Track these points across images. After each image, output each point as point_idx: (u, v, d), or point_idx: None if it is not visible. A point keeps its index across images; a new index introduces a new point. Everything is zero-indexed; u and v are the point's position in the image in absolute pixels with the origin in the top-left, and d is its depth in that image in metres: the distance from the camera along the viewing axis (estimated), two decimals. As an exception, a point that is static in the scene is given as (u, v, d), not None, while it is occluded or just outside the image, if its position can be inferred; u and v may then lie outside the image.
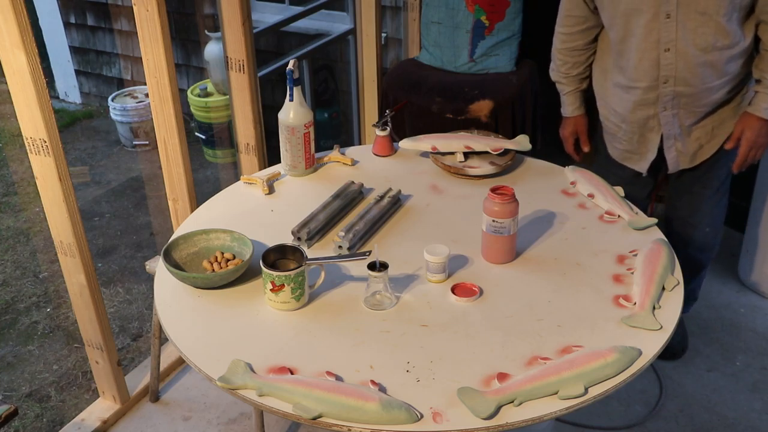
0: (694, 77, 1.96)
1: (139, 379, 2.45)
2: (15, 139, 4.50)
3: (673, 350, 2.46)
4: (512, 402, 1.27)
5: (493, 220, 1.59)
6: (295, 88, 1.92)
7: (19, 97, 1.82)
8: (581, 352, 1.36)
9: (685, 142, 2.10)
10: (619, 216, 1.80)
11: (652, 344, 1.39)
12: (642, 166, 2.20)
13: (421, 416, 1.25)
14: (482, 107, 2.79)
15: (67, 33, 4.89)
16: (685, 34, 1.90)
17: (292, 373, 1.34)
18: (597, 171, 2.00)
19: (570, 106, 2.27)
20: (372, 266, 1.50)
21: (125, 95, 4.52)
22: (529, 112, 2.92)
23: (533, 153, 2.10)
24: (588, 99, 2.30)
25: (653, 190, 2.39)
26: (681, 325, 2.48)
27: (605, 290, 1.55)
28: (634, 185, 2.21)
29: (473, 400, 1.26)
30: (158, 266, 1.64)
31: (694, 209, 2.28)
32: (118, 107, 4.39)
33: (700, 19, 1.87)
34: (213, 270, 1.61)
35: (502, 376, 1.31)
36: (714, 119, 2.07)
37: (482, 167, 2.00)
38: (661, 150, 2.14)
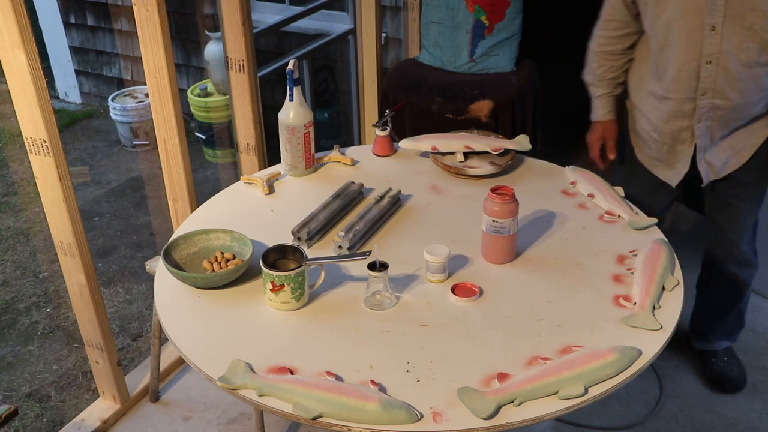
0: (734, 91, 1.92)
1: (139, 379, 2.45)
2: (15, 139, 4.50)
3: (736, 383, 2.40)
4: (512, 402, 1.27)
5: (493, 220, 1.59)
6: (295, 88, 1.92)
7: (19, 97, 1.82)
8: (581, 352, 1.36)
9: (714, 153, 2.07)
10: (619, 216, 1.80)
11: (652, 344, 1.39)
12: (671, 177, 2.15)
13: (421, 416, 1.25)
14: (482, 107, 2.79)
15: (67, 33, 4.89)
16: (730, 48, 1.86)
17: (292, 373, 1.34)
18: (621, 173, 1.95)
19: (601, 110, 2.21)
20: (372, 266, 1.50)
21: (125, 95, 4.52)
22: (529, 112, 2.92)
23: (533, 153, 2.10)
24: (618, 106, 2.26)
25: (675, 199, 2.35)
26: (734, 357, 2.44)
27: (605, 290, 1.55)
28: (658, 193, 2.19)
29: (473, 400, 1.26)
30: (158, 266, 1.64)
31: (731, 222, 2.22)
32: (118, 107, 4.39)
33: (745, 34, 1.84)
34: (213, 270, 1.61)
35: (502, 376, 1.31)
36: (745, 132, 2.04)
37: (482, 167, 2.00)
38: (693, 161, 2.10)
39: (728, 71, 1.90)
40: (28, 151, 1.91)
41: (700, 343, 2.47)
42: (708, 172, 2.10)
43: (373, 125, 2.15)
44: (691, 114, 2.00)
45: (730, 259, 2.29)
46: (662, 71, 1.99)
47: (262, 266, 1.48)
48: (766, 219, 2.74)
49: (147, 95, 3.66)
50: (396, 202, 1.86)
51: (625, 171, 2.30)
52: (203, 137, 4.28)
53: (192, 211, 2.13)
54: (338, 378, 1.33)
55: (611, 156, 2.25)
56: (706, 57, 1.89)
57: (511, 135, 2.31)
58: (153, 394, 2.39)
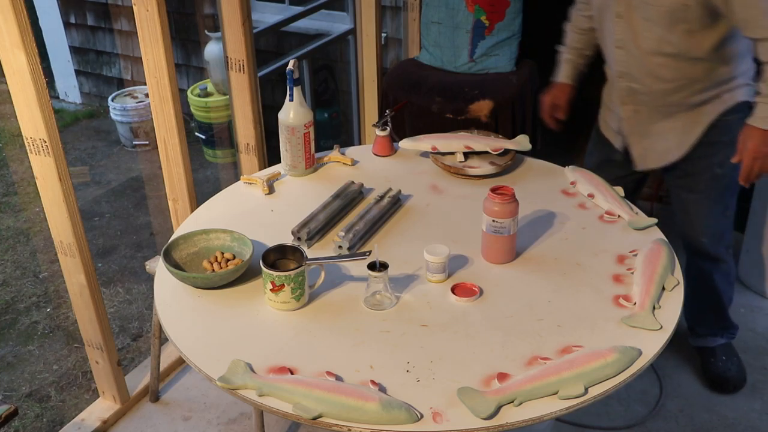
0: (645, 77, 2.03)
1: (139, 379, 2.45)
2: (15, 139, 4.50)
3: (734, 383, 2.39)
4: (512, 402, 1.27)
5: (493, 220, 1.59)
6: (295, 88, 1.92)
7: (19, 97, 1.82)
8: (581, 352, 1.36)
9: (652, 140, 2.14)
10: (619, 216, 1.80)
11: (652, 344, 1.39)
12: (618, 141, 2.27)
13: (421, 416, 1.25)
14: (482, 107, 2.79)
15: (67, 33, 4.89)
16: (634, 35, 1.97)
17: (292, 373, 1.34)
18: (589, 146, 2.11)
19: (560, 73, 2.32)
20: (372, 266, 1.50)
21: (125, 95, 4.52)
22: (529, 112, 2.92)
23: (533, 153, 2.10)
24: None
25: (641, 187, 2.40)
26: (732, 355, 2.43)
27: (605, 290, 1.55)
28: (614, 165, 2.27)
29: (473, 400, 1.26)
30: (158, 266, 1.64)
31: (684, 213, 2.26)
32: (118, 107, 4.39)
33: (645, 24, 1.93)
34: (213, 270, 1.61)
35: (502, 376, 1.31)
36: (685, 121, 2.08)
37: (482, 167, 2.00)
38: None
39: (635, 58, 2.01)
40: (28, 151, 1.91)
41: (693, 339, 2.48)
42: (645, 158, 2.18)
43: (373, 125, 2.15)
44: (617, 94, 2.14)
45: (690, 250, 2.32)
46: (603, 51, 2.16)
47: (262, 266, 1.48)
48: (764, 216, 2.74)
49: (147, 95, 3.66)
50: (396, 202, 1.86)
51: (591, 144, 2.41)
52: (203, 137, 4.28)
53: (192, 211, 2.13)
54: (338, 378, 1.33)
55: (560, 115, 2.33)
56: (617, 42, 2.03)
57: (511, 135, 2.31)
58: (153, 394, 2.39)
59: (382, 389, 1.30)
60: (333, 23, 3.89)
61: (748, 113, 1.90)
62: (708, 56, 1.94)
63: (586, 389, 1.29)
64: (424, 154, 2.10)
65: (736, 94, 2.02)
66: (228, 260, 1.63)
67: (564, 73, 2.31)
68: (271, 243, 1.61)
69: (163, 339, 2.31)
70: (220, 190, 1.98)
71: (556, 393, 1.28)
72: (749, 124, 1.89)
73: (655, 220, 1.76)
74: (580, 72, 2.31)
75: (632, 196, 2.31)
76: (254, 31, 2.42)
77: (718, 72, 1.98)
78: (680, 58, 1.95)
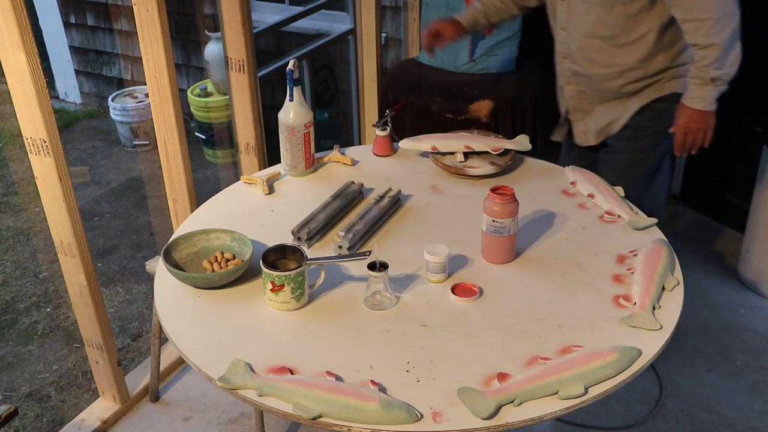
0: (584, 60, 2.11)
1: (139, 379, 2.45)
2: (15, 139, 4.50)
3: None
4: (512, 402, 1.27)
5: (493, 220, 1.59)
6: (295, 88, 1.92)
7: (19, 97, 1.82)
8: (581, 352, 1.36)
9: (593, 118, 2.22)
10: (619, 216, 1.80)
11: (652, 344, 1.39)
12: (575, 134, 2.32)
13: (421, 416, 1.25)
14: (482, 107, 2.79)
15: (67, 33, 4.89)
16: (575, 18, 2.06)
17: (292, 373, 1.34)
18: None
19: (461, 14, 2.28)
20: (372, 266, 1.50)
21: (125, 95, 4.52)
22: (529, 112, 2.92)
23: (533, 153, 2.10)
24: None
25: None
26: None
27: (605, 290, 1.55)
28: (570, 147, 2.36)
29: (473, 400, 1.26)
30: (158, 266, 1.64)
31: (612, 172, 2.25)
32: (118, 107, 4.39)
33: (585, 7, 2.02)
34: (213, 270, 1.61)
35: (502, 376, 1.31)
36: (620, 104, 2.16)
37: (482, 167, 2.00)
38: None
39: (576, 40, 2.10)
40: (28, 151, 1.91)
41: None
42: (586, 136, 2.26)
43: (373, 125, 2.15)
44: (561, 74, 2.23)
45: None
46: (554, 32, 2.21)
47: (262, 266, 1.48)
48: (764, 216, 2.74)
49: (147, 95, 3.66)
50: (396, 202, 1.86)
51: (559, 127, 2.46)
52: (203, 137, 4.28)
53: (192, 211, 2.13)
54: (338, 378, 1.33)
55: (438, 45, 2.27)
56: (560, 24, 2.13)
57: (511, 135, 2.31)
58: (153, 394, 2.39)
59: (382, 389, 1.30)
60: (333, 23, 3.89)
61: (677, 104, 2.02)
62: (644, 43, 2.01)
63: (586, 389, 1.29)
64: (424, 154, 2.10)
65: (670, 84, 2.09)
66: (228, 260, 1.63)
67: (464, 16, 2.27)
68: (271, 243, 1.61)
69: (163, 339, 2.31)
70: (220, 190, 1.98)
71: (556, 393, 1.28)
72: (682, 103, 1.99)
73: (655, 220, 1.77)
74: (477, 23, 2.27)
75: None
76: (254, 31, 2.42)
77: (654, 61, 2.05)
78: (615, 42, 2.02)
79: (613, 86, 2.11)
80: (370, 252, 1.57)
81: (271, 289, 1.48)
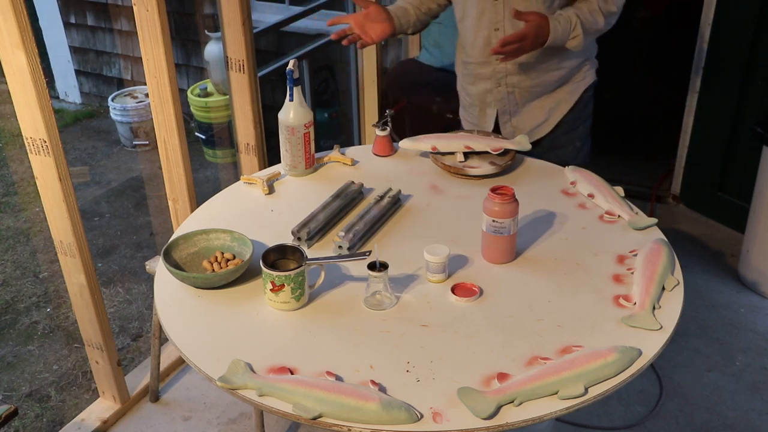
0: (522, 58, 2.06)
1: (139, 379, 2.45)
2: (15, 139, 4.51)
3: None
4: (512, 402, 1.27)
5: (493, 220, 1.59)
6: (295, 88, 1.92)
7: (19, 97, 1.82)
8: (581, 352, 1.36)
9: (522, 119, 2.22)
10: (619, 216, 1.80)
11: (652, 344, 1.39)
12: None
13: (421, 416, 1.25)
14: (482, 107, 2.79)
15: (67, 33, 4.89)
16: (509, 17, 2.03)
17: (292, 373, 1.34)
18: None
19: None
20: (372, 266, 1.50)
21: (125, 95, 4.52)
22: (529, 112, 2.91)
23: (533, 153, 2.10)
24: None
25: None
26: None
27: (605, 290, 1.55)
28: None
29: (473, 400, 1.26)
30: (158, 266, 1.64)
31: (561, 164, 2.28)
32: (118, 107, 4.39)
33: (523, 4, 1.98)
34: (213, 270, 1.61)
35: (502, 376, 1.31)
36: (551, 100, 2.18)
37: (482, 167, 2.00)
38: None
39: None
40: (28, 151, 1.91)
41: None
42: (514, 136, 2.22)
43: (373, 125, 2.15)
44: (491, 77, 2.17)
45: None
46: (464, 39, 2.18)
47: (262, 266, 1.48)
48: (764, 216, 2.74)
49: (147, 95, 3.66)
50: (396, 202, 1.86)
51: None
52: (203, 137, 4.28)
53: (192, 211, 2.13)
54: (338, 378, 1.33)
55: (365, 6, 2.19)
56: (494, 25, 2.08)
57: (511, 135, 2.31)
58: (153, 394, 2.39)
59: (382, 389, 1.30)
60: (333, 23, 3.88)
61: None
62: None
63: (586, 389, 1.29)
64: (424, 154, 2.10)
65: (591, 73, 2.19)
66: (228, 260, 1.63)
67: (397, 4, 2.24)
68: (271, 243, 1.61)
69: (163, 339, 2.32)
70: (220, 190, 1.98)
71: (556, 393, 1.28)
72: (547, 22, 1.93)
73: (655, 220, 1.76)
74: (397, 18, 2.20)
75: None
76: (254, 31, 2.42)
77: (574, 54, 2.08)
78: None
79: (550, 79, 2.14)
80: (370, 252, 1.57)
81: (271, 289, 1.48)
